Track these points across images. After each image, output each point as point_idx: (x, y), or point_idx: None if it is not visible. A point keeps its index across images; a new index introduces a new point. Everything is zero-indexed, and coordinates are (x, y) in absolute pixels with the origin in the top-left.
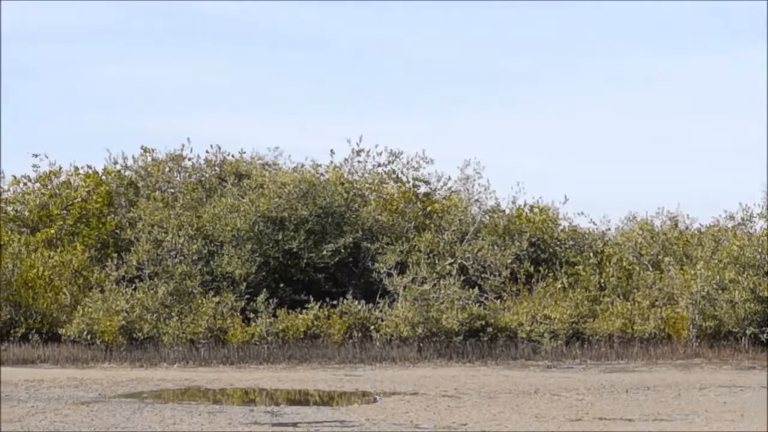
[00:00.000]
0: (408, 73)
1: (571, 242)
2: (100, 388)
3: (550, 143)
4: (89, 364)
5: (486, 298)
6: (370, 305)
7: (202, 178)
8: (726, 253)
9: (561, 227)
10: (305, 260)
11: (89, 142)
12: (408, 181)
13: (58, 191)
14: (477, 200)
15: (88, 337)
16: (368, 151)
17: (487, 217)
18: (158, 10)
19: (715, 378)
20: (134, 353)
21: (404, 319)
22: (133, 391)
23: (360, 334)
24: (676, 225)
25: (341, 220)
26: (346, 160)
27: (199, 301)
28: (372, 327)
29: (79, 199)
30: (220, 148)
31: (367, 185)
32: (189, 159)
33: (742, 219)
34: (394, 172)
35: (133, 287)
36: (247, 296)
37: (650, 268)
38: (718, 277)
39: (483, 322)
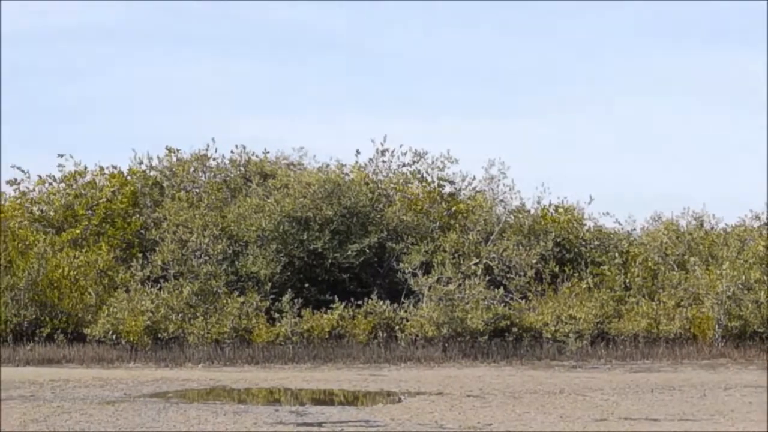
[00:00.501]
0: (432, 73)
1: (596, 242)
2: (125, 387)
3: (576, 143)
4: (114, 364)
5: (511, 298)
6: (395, 305)
7: (227, 178)
8: (752, 253)
9: (586, 227)
10: (330, 260)
11: (114, 142)
12: (433, 181)
13: (83, 191)
14: (502, 200)
15: (114, 337)
16: (393, 151)
17: (512, 217)
18: (185, 9)
19: (741, 378)
20: (159, 353)
21: (429, 319)
22: (158, 390)
23: (385, 334)
24: (702, 225)
25: (366, 220)
26: (370, 160)
27: (224, 301)
28: (397, 327)
29: (105, 199)
30: (245, 148)
31: (392, 185)
32: (214, 159)
33: None
34: (419, 172)
35: (158, 287)
36: (272, 296)
37: (676, 268)
38: (743, 277)
39: (508, 322)
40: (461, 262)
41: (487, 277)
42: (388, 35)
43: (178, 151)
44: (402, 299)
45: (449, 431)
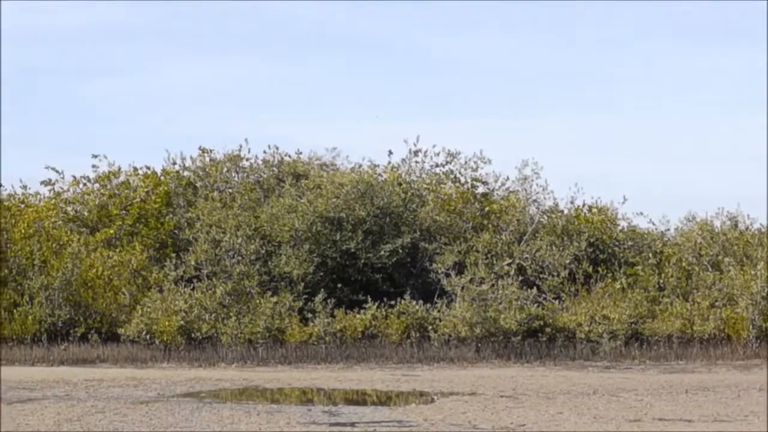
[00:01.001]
0: (465, 73)
1: (630, 242)
2: (159, 387)
3: (609, 143)
4: (148, 364)
5: (544, 299)
6: (428, 305)
7: (260, 179)
8: None
9: (620, 227)
10: (363, 260)
11: (148, 143)
12: (466, 182)
13: (117, 191)
14: (535, 200)
15: (147, 336)
16: (426, 152)
17: (546, 218)
18: (217, 11)
19: None
20: (192, 353)
21: (462, 319)
22: (191, 390)
23: (418, 335)
24: (736, 225)
25: (399, 221)
26: (403, 160)
27: (257, 301)
28: (430, 327)
29: (138, 200)
30: (278, 149)
31: (425, 185)
32: (247, 159)
33: None
34: (451, 172)
35: (191, 287)
36: (305, 296)
37: (710, 269)
38: None
39: (541, 323)
40: (494, 262)
41: (520, 278)
42: (420, 35)
43: (211, 151)
44: (435, 299)
45: (482, 431)
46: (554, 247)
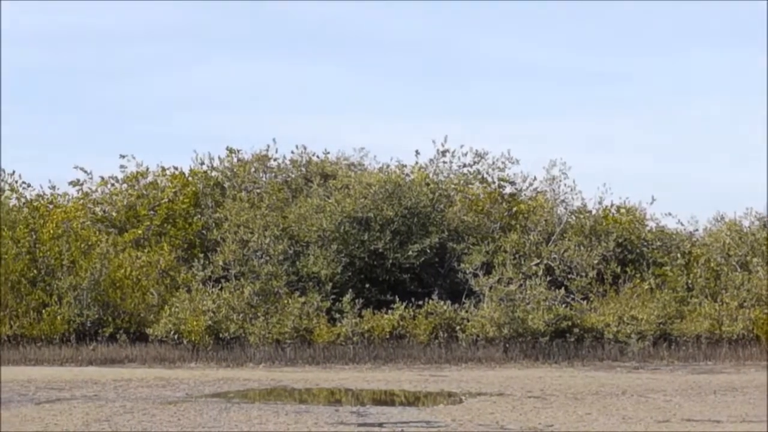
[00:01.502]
0: (493, 73)
1: (658, 243)
2: (187, 387)
3: (637, 143)
4: (176, 364)
5: (572, 299)
6: (456, 306)
7: (288, 179)
8: None
9: (648, 228)
10: (391, 260)
11: (176, 143)
12: (493, 182)
13: (145, 192)
14: (563, 201)
15: (175, 336)
16: (453, 152)
17: (574, 218)
18: (244, 10)
19: None
20: (220, 353)
21: (490, 319)
22: (219, 390)
23: (445, 335)
24: (765, 225)
25: (427, 221)
26: (431, 160)
27: (285, 301)
28: (458, 327)
29: (166, 200)
30: (305, 149)
31: (453, 185)
32: (275, 159)
33: None
34: (479, 172)
35: (219, 287)
36: (333, 296)
37: (738, 269)
38: None
39: (569, 323)
40: (522, 262)
41: (548, 278)
42: (448, 35)
43: (238, 151)
44: (463, 299)
45: None
46: (582, 248)
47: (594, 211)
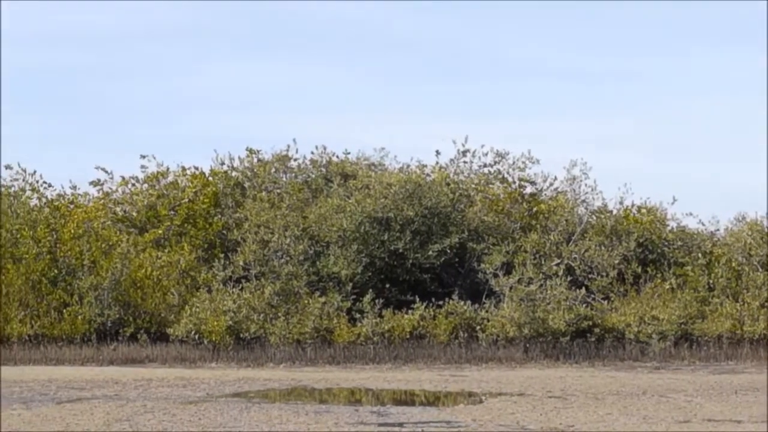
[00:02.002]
0: (512, 73)
1: (679, 243)
2: (208, 387)
3: (658, 143)
4: (197, 364)
5: (593, 299)
6: (476, 306)
7: (308, 179)
8: None
9: (669, 228)
10: (411, 260)
11: (196, 143)
12: (514, 182)
13: (165, 192)
14: (584, 201)
15: (196, 336)
16: (474, 152)
17: (594, 218)
18: (263, 10)
19: None
20: (241, 353)
21: (510, 319)
22: (240, 390)
23: (466, 335)
24: None
25: (447, 221)
26: (451, 160)
27: (306, 301)
28: (478, 327)
29: (187, 200)
30: (325, 149)
31: (473, 186)
32: (295, 159)
33: None
34: (499, 172)
35: (239, 287)
36: (353, 296)
37: (760, 269)
38: None
39: (590, 323)
40: (542, 262)
41: (569, 278)
42: (466, 36)
43: (258, 151)
44: (483, 299)
45: None
46: (603, 248)
47: (615, 211)
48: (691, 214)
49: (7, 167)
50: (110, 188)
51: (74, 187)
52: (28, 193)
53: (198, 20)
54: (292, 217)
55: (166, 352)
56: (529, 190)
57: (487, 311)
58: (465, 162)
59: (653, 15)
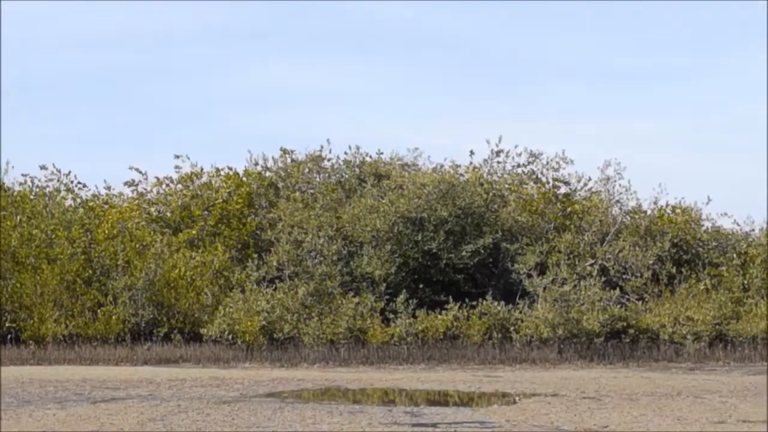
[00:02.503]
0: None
1: (714, 243)
2: (241, 387)
3: (693, 143)
4: (230, 364)
5: (627, 300)
6: (510, 306)
7: (342, 179)
8: None
9: (704, 228)
10: (444, 261)
11: (230, 144)
12: (548, 182)
13: (199, 192)
14: (618, 201)
15: (230, 337)
16: (508, 152)
17: (628, 218)
18: (298, 12)
19: None
20: (275, 353)
21: (544, 320)
22: (273, 390)
23: (499, 335)
24: None
25: (480, 221)
26: (485, 160)
27: (339, 301)
28: (512, 328)
29: (221, 200)
30: (359, 149)
31: (507, 186)
32: (328, 160)
33: None
34: (533, 172)
35: (273, 288)
36: (387, 297)
37: None
38: None
39: (624, 324)
40: (576, 263)
41: (603, 278)
42: (502, 36)
43: (292, 152)
44: (517, 300)
45: None
46: (637, 248)
47: (649, 212)
48: (726, 214)
49: (42, 167)
50: (144, 189)
51: (109, 188)
52: (63, 193)
53: (231, 21)
54: (325, 218)
55: (200, 352)
56: (563, 190)
57: (520, 312)
58: (499, 162)
59: (686, 15)
